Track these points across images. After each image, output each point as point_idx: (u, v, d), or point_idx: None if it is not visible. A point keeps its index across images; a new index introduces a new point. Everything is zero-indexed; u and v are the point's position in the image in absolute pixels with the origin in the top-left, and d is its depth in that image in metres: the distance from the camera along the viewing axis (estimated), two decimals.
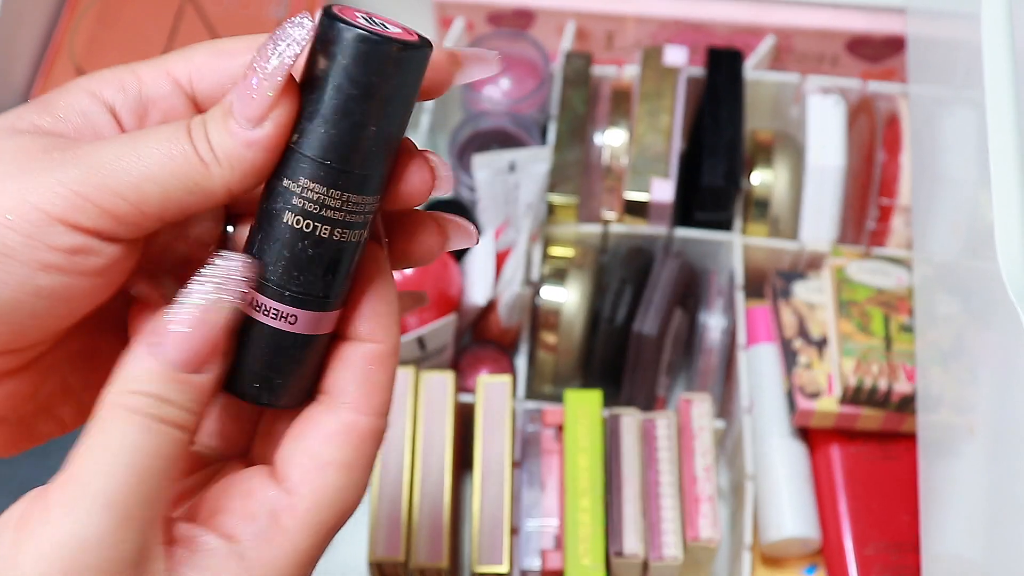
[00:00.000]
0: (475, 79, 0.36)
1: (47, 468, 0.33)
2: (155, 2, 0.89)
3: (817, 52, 0.87)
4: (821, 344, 0.76)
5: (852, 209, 0.82)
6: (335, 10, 0.33)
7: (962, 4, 0.62)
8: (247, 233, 0.36)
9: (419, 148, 0.36)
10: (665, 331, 0.75)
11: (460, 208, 0.82)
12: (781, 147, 0.83)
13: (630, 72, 0.85)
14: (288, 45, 0.32)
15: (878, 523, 0.73)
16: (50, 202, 0.31)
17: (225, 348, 0.34)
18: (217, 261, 0.33)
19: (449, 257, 0.76)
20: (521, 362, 0.77)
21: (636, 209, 0.78)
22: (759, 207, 0.82)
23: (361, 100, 0.33)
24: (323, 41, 0.33)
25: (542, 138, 0.84)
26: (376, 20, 0.33)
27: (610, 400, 0.75)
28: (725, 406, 0.79)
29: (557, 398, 0.77)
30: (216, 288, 0.33)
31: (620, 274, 0.78)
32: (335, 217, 0.34)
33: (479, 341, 0.80)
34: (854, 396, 0.73)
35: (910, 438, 0.73)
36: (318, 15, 0.33)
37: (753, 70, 0.85)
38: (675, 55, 0.83)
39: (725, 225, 0.81)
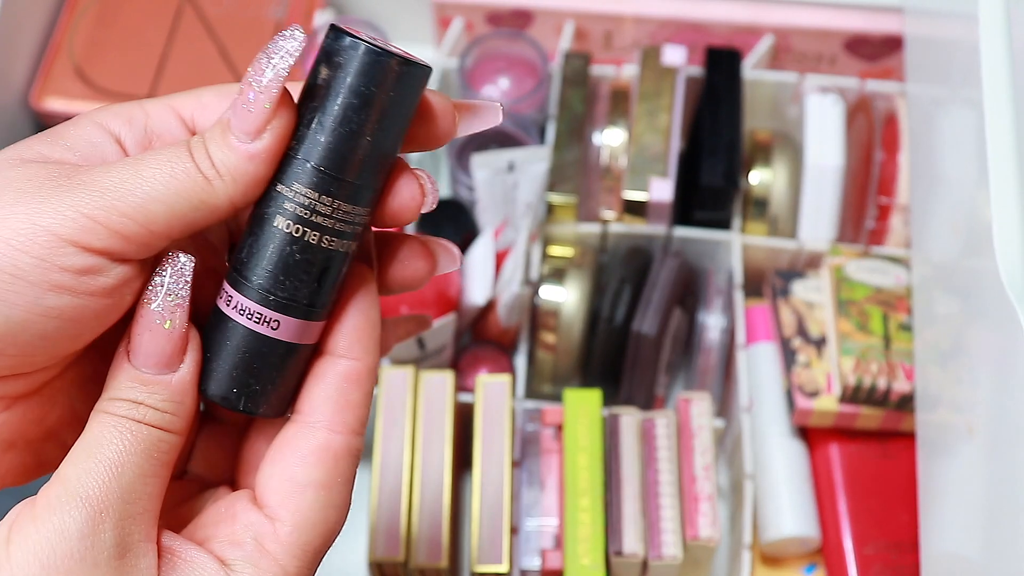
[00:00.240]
0: (479, 129, 0.38)
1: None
2: (154, 2, 0.90)
3: (815, 52, 0.87)
4: (820, 343, 0.76)
5: (851, 208, 0.82)
6: (341, 25, 0.34)
7: (960, 4, 0.62)
8: None
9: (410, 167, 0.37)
10: (664, 330, 0.75)
11: (459, 208, 0.82)
12: (780, 146, 0.83)
13: (629, 72, 0.85)
14: (282, 57, 0.33)
15: (877, 522, 0.73)
16: (60, 224, 0.32)
17: (190, 345, 0.35)
18: (166, 263, 0.35)
19: None
20: (520, 362, 0.77)
21: (635, 209, 0.78)
22: (758, 206, 0.82)
23: (360, 110, 0.34)
24: (327, 52, 0.34)
25: (541, 138, 0.84)
26: (378, 42, 0.34)
27: (609, 399, 0.76)
28: (724, 405, 0.79)
29: (556, 397, 0.77)
30: (166, 288, 0.34)
31: (619, 273, 0.78)
32: (325, 224, 0.35)
33: (478, 341, 0.80)
34: (853, 395, 0.73)
35: (909, 437, 0.73)
36: (324, 29, 0.34)
37: (752, 70, 0.85)
38: (674, 55, 0.83)
39: (724, 224, 0.81)
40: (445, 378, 0.73)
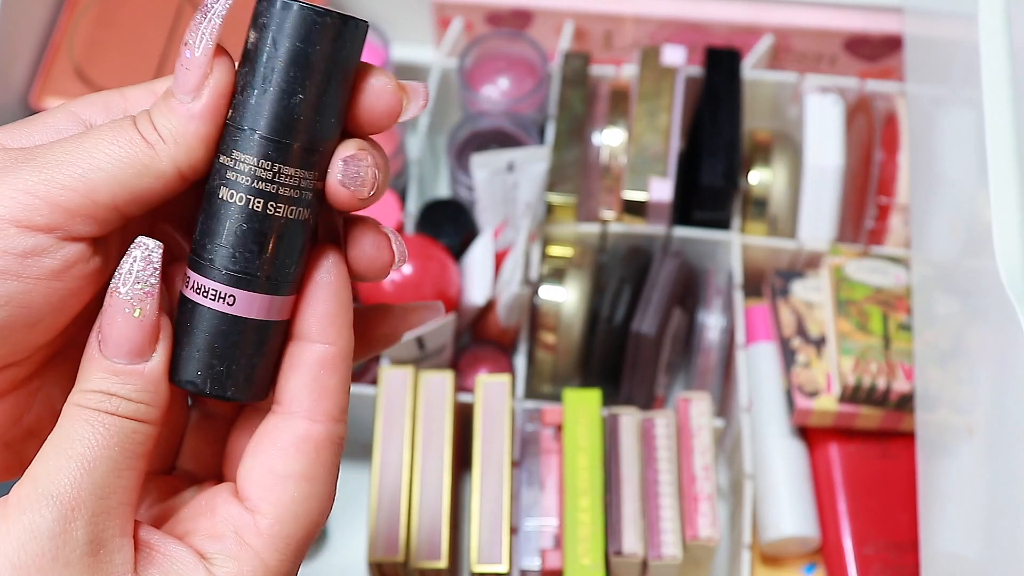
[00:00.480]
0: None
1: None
2: (154, 2, 0.89)
3: (815, 51, 0.87)
4: (820, 343, 0.76)
5: (850, 208, 0.82)
6: None
7: (959, 4, 0.62)
8: None
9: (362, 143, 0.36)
10: (664, 330, 0.75)
11: (459, 208, 0.82)
12: (779, 146, 0.83)
13: (628, 72, 0.85)
14: (213, 15, 0.34)
15: (877, 522, 0.73)
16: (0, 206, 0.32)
17: (162, 333, 0.34)
18: (133, 249, 0.34)
19: (448, 257, 0.76)
20: (520, 362, 0.77)
21: (635, 208, 0.78)
22: (757, 206, 0.82)
23: (285, 67, 0.34)
24: (255, 15, 0.34)
25: (540, 138, 0.84)
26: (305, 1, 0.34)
27: (609, 399, 0.76)
28: (724, 405, 0.79)
29: (556, 397, 0.77)
30: (135, 276, 0.34)
31: (619, 273, 0.78)
32: (267, 190, 0.34)
33: (478, 341, 0.80)
34: (853, 395, 0.73)
35: (909, 437, 0.73)
36: None
37: (751, 70, 0.85)
38: (673, 55, 0.83)
39: (724, 224, 0.81)
40: (445, 378, 0.73)
